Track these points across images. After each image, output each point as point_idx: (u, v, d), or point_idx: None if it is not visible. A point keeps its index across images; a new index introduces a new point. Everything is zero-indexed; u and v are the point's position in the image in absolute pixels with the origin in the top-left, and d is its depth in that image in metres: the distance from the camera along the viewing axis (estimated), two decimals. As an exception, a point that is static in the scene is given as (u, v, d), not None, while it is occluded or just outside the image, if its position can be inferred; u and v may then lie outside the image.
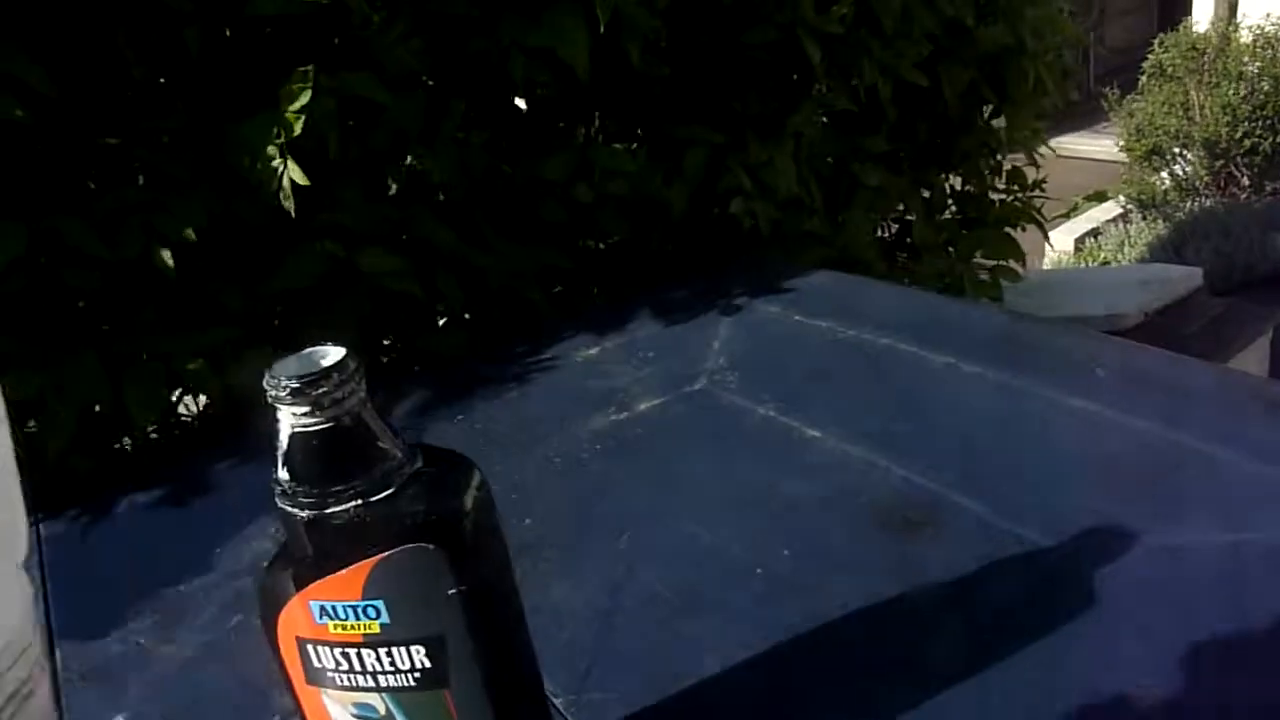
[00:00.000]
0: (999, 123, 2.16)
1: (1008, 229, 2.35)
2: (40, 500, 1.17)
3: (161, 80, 1.15)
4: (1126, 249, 4.71)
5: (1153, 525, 0.70)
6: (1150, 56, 5.22)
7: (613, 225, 1.41)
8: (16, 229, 0.98)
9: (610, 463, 0.91)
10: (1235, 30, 5.21)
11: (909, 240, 2.22)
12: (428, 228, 1.18)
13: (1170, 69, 5.10)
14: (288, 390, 0.39)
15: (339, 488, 0.40)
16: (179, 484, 1.00)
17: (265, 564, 0.44)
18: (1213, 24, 5.57)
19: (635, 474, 0.88)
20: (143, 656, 0.74)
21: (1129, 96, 5.31)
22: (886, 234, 2.17)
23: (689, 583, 0.72)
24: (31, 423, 1.28)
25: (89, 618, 0.80)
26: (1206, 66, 4.71)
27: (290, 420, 0.39)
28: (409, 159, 1.16)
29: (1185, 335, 2.62)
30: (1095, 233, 5.07)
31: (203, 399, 1.28)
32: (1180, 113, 4.84)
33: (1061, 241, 5.11)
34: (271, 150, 1.01)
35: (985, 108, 2.09)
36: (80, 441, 1.12)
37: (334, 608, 0.41)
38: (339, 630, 0.42)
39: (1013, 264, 2.32)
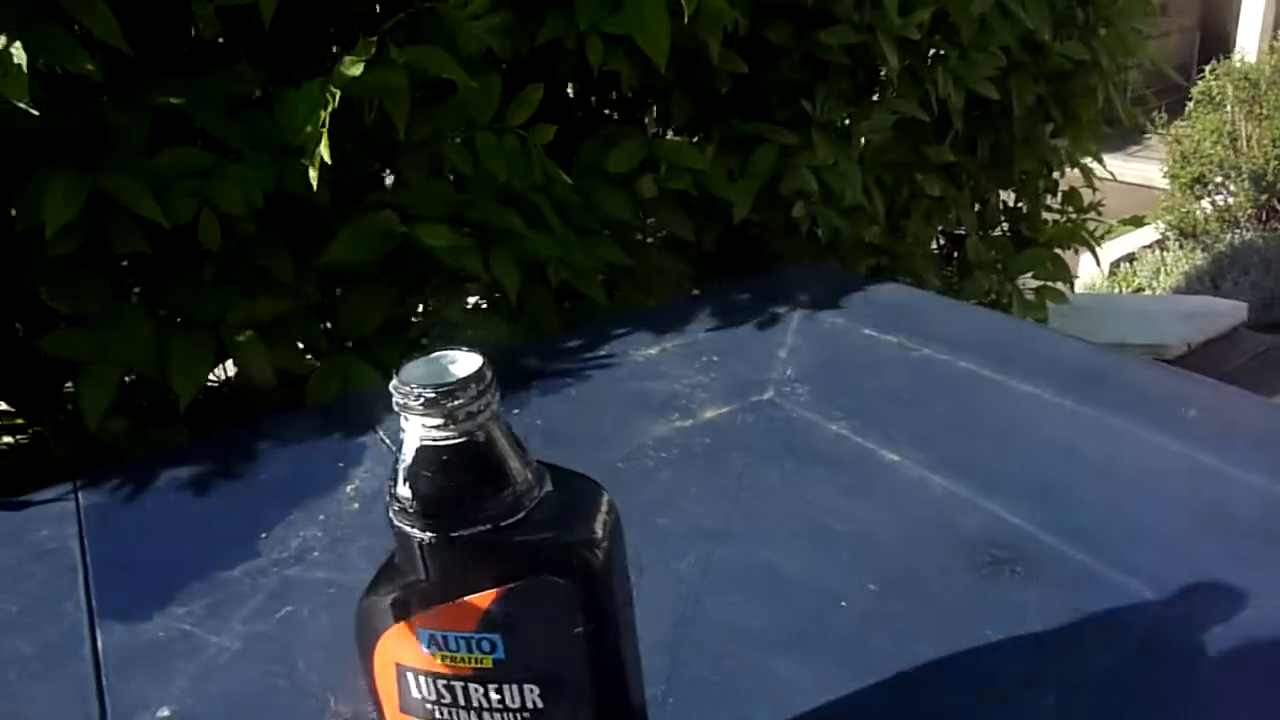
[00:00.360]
0: (1059, 142, 2.12)
1: (1057, 250, 2.30)
2: (77, 466, 1.14)
3: (223, 42, 1.11)
4: (1162, 276, 4.65)
5: (1269, 586, 0.66)
6: (1200, 83, 5.14)
7: (673, 222, 1.36)
8: (75, 189, 0.94)
9: (677, 473, 0.87)
10: (1288, 62, 5.12)
11: (955, 255, 2.18)
12: (490, 212, 1.14)
13: (1219, 97, 5.02)
14: (421, 399, 0.35)
15: (467, 510, 0.36)
16: (221, 460, 0.96)
17: (370, 582, 0.40)
18: (1260, 54, 5.49)
19: (704, 488, 0.84)
20: (188, 644, 0.71)
21: (1175, 122, 5.23)
22: (937, 248, 2.13)
23: (768, 613, 0.68)
24: (68, 384, 1.25)
25: (130, 598, 0.77)
26: (1259, 98, 4.63)
27: (419, 432, 0.35)
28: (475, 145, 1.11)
29: (1229, 370, 2.57)
30: (1130, 258, 5.01)
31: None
32: (1227, 142, 4.76)
33: (1094, 266, 5.04)
34: (323, 118, 0.97)
35: (1047, 125, 2.05)
36: (118, 408, 1.09)
37: (445, 638, 0.38)
38: (447, 662, 0.38)
39: (1060, 286, 2.28)
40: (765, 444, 0.90)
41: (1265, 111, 4.71)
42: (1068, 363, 1.03)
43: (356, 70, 0.92)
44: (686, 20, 1.10)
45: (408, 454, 0.36)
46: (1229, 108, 4.97)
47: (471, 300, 1.36)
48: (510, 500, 0.37)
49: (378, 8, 1.10)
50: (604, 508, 0.40)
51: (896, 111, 1.53)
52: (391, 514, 0.37)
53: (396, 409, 0.36)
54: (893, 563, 0.72)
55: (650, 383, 1.04)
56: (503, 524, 0.36)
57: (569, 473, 0.41)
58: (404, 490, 0.36)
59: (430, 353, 0.38)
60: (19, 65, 0.87)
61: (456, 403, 0.35)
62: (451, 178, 1.15)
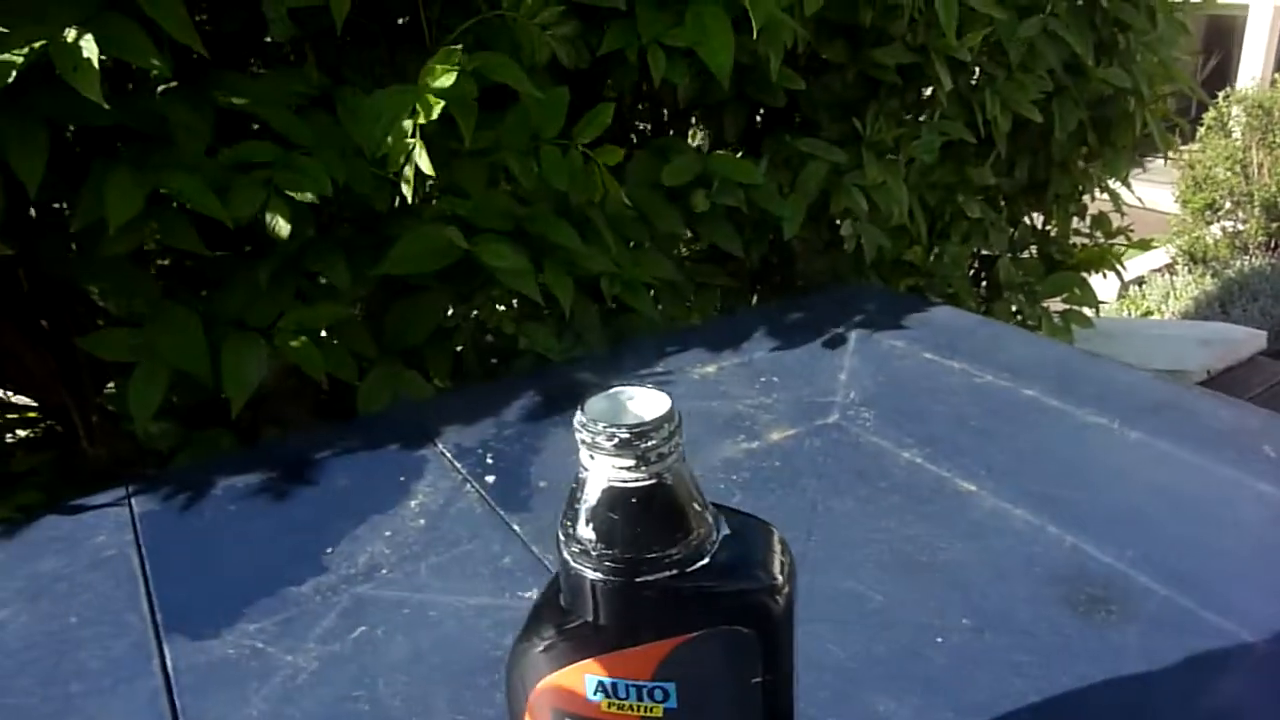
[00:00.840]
0: (1092, 166, 2.11)
1: (1083, 274, 2.30)
2: (116, 470, 1.12)
3: (289, 43, 1.10)
4: (1171, 301, 4.66)
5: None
6: (1211, 110, 5.15)
7: (723, 237, 1.35)
8: (136, 186, 0.92)
9: (750, 497, 0.85)
10: (1299, 91, 5.14)
11: (984, 277, 2.17)
12: (550, 226, 1.12)
13: (1231, 125, 5.03)
14: (615, 439, 0.33)
15: (653, 554, 0.34)
16: (276, 470, 0.95)
17: (526, 624, 0.38)
18: (1263, 82, 5.51)
19: (779, 514, 0.82)
20: (262, 663, 0.69)
21: (1186, 147, 5.24)
22: (968, 269, 2.12)
23: (861, 646, 0.67)
24: (110, 385, 1.23)
25: (197, 612, 0.75)
26: (1271, 125, 4.64)
27: (607, 473, 0.34)
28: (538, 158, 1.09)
29: (1249, 398, 2.56)
30: (1140, 281, 5.01)
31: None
32: (1239, 169, 4.77)
33: (1103, 288, 5.05)
34: (406, 126, 0.95)
35: (1081, 150, 2.04)
36: (159, 411, 1.07)
37: (615, 685, 0.36)
38: (613, 709, 0.37)
39: (1086, 310, 2.27)
40: (836, 469, 0.89)
41: (1278, 140, 4.73)
42: (1131, 392, 1.01)
43: (448, 80, 0.90)
44: (756, 34, 1.09)
45: (591, 494, 0.34)
46: (1240, 134, 4.98)
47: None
48: (695, 544, 0.35)
49: (439, 14, 1.08)
50: (779, 549, 0.38)
51: (944, 132, 1.52)
52: (567, 555, 0.35)
53: (581, 446, 0.34)
54: (984, 598, 0.71)
55: (712, 402, 1.02)
56: (688, 569, 0.35)
57: (737, 512, 0.39)
58: (586, 531, 0.35)
59: (609, 389, 0.36)
60: (89, 59, 0.85)
61: (649, 444, 0.33)
62: (518, 190, 1.14)
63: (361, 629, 0.72)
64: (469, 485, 0.89)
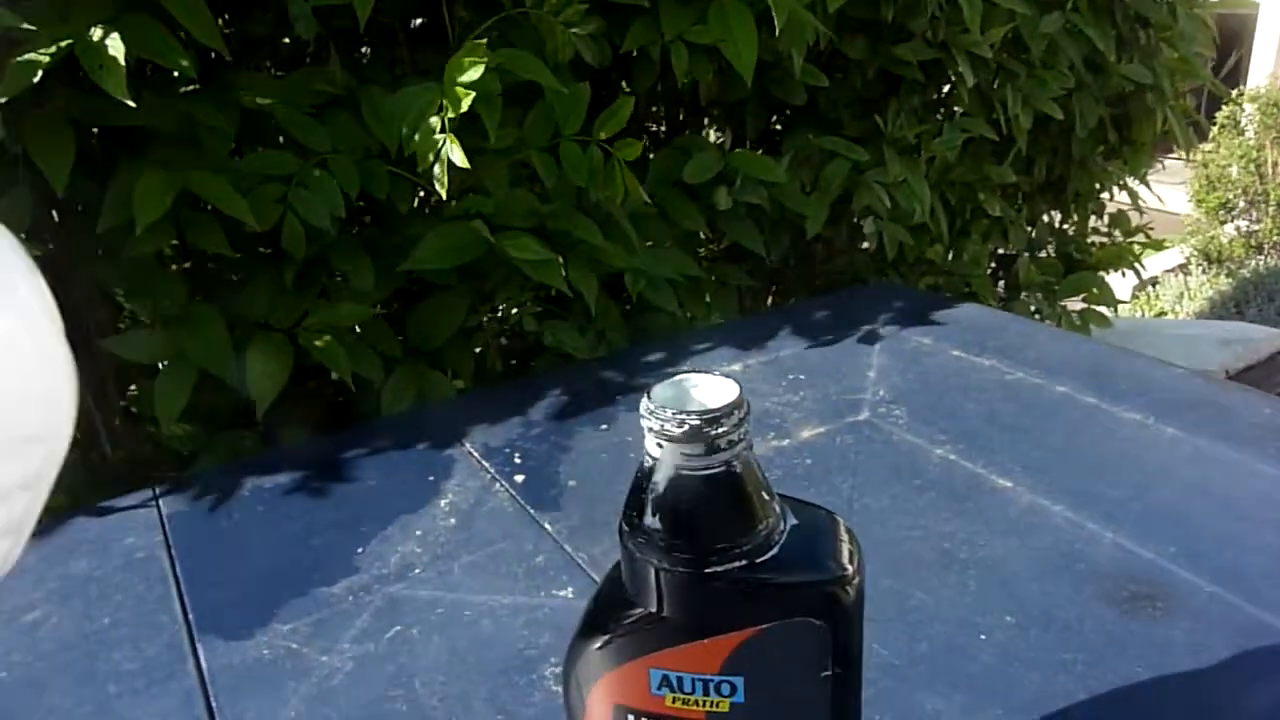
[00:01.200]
0: (1111, 164, 2.10)
1: (1101, 273, 2.28)
2: (146, 475, 1.12)
3: (312, 41, 1.09)
4: (1185, 301, 4.63)
5: None
6: (1224, 109, 5.13)
7: (745, 235, 1.34)
8: (165, 186, 0.92)
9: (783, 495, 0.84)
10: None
11: (1003, 275, 2.16)
12: (571, 223, 1.12)
13: (1244, 124, 5.01)
14: (685, 426, 0.32)
15: (722, 545, 0.33)
16: (303, 471, 0.94)
17: (585, 618, 0.38)
18: (1271, 79, 5.48)
19: (814, 510, 0.82)
20: (297, 664, 0.68)
21: (1200, 146, 5.21)
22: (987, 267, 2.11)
23: (904, 643, 0.66)
24: (133, 387, 1.23)
25: (229, 613, 0.74)
26: (1287, 124, 4.62)
27: (675, 460, 0.33)
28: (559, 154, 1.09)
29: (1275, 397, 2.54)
30: (1154, 281, 4.99)
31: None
32: (1253, 169, 4.75)
33: (1117, 288, 5.01)
34: (434, 123, 0.94)
35: (1100, 148, 2.03)
36: (187, 414, 1.06)
37: (680, 679, 0.35)
38: (678, 704, 0.36)
39: (1104, 310, 2.26)
40: (870, 466, 0.88)
41: (1293, 138, 4.71)
42: (1165, 388, 1.00)
43: (475, 74, 0.90)
44: (779, 32, 1.08)
45: (659, 482, 0.34)
46: (1254, 133, 4.96)
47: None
48: (764, 535, 0.34)
49: (463, 11, 1.08)
50: (846, 539, 0.37)
51: (966, 129, 1.50)
52: (632, 545, 0.34)
53: (649, 434, 0.33)
54: (1027, 595, 0.70)
55: (739, 400, 1.02)
56: (757, 560, 0.34)
57: (803, 503, 0.38)
58: (653, 521, 0.34)
59: (673, 375, 0.35)
60: (115, 58, 0.85)
61: (720, 430, 0.33)
62: (536, 189, 1.13)
63: (396, 629, 0.71)
64: (499, 484, 0.89)
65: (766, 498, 0.35)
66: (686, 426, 0.32)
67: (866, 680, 0.63)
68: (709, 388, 0.35)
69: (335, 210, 1.00)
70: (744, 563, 0.34)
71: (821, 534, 0.36)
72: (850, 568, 0.35)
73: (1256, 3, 8.42)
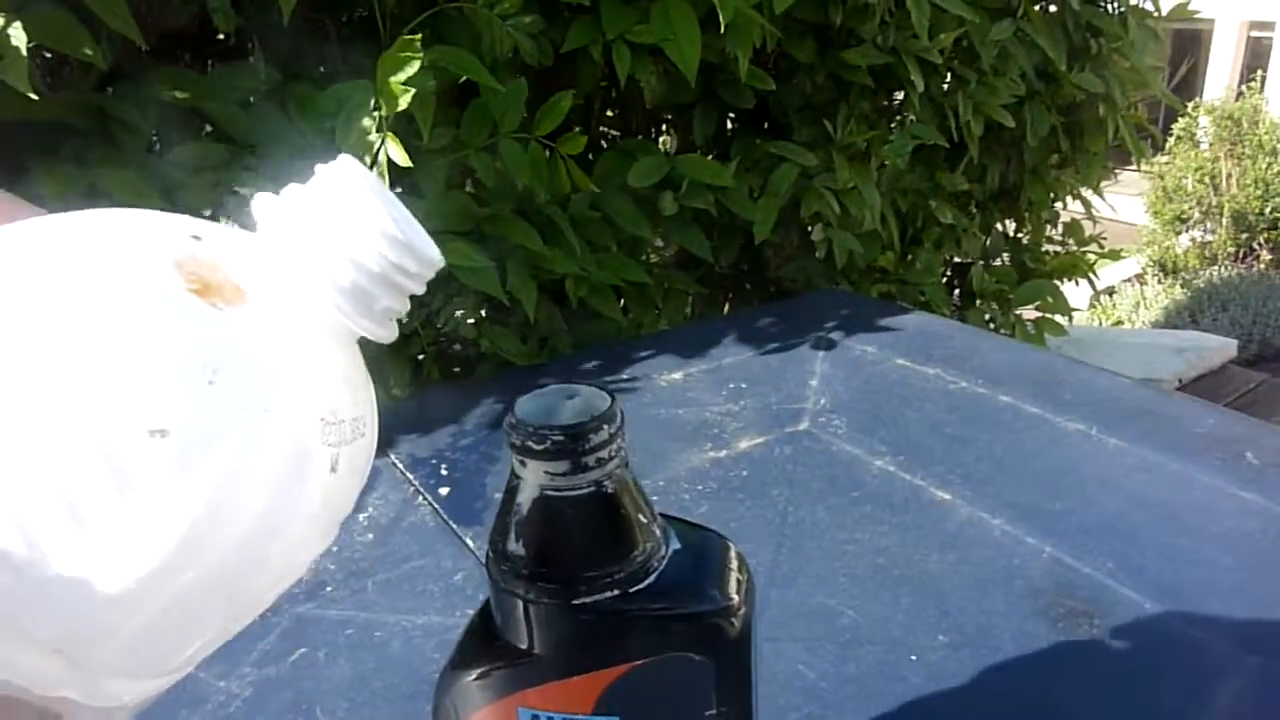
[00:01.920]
0: (1064, 173, 2.10)
1: (1056, 281, 2.29)
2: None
3: (233, 37, 1.05)
4: (1142, 310, 4.68)
5: (1370, 650, 0.61)
6: (1180, 120, 5.20)
7: (691, 240, 1.32)
8: (73, 183, 0.88)
9: (716, 507, 0.81)
10: (1266, 103, 5.19)
11: (958, 284, 2.16)
12: (509, 227, 1.08)
13: (1200, 135, 5.08)
14: (548, 442, 0.29)
15: (592, 573, 0.30)
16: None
17: (455, 650, 0.34)
18: (1228, 90, 5.56)
19: (747, 524, 0.79)
20: (193, 690, 0.64)
21: (1155, 158, 5.28)
22: (941, 276, 2.10)
23: (832, 665, 0.63)
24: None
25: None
26: (1241, 136, 4.68)
27: (539, 480, 0.30)
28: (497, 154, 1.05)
29: (1221, 405, 2.56)
30: (1110, 291, 5.04)
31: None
32: (1208, 181, 4.81)
33: (1074, 298, 5.06)
34: (368, 124, 0.91)
35: (1053, 156, 2.03)
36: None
37: (551, 719, 0.32)
38: (551, 747, 0.33)
39: (1059, 318, 2.26)
40: (807, 478, 0.85)
41: (1247, 151, 4.77)
42: (1110, 398, 0.99)
43: (410, 70, 0.86)
44: (723, 29, 1.06)
45: (523, 505, 0.30)
46: (1209, 145, 5.02)
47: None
48: (640, 561, 0.31)
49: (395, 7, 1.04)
50: (735, 566, 0.34)
51: (916, 136, 1.49)
52: (496, 573, 0.31)
53: (511, 451, 0.30)
54: (961, 613, 0.67)
55: (678, 409, 0.99)
56: (631, 590, 0.31)
57: (690, 524, 0.35)
58: (516, 547, 0.31)
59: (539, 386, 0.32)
60: (17, 47, 0.81)
61: (587, 446, 0.29)
62: (470, 189, 1.10)
63: (302, 651, 0.67)
64: (420, 497, 0.85)
65: (644, 520, 0.32)
66: (549, 442, 0.29)
67: (790, 705, 0.60)
68: (583, 399, 0.32)
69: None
70: (616, 592, 0.30)
71: (707, 560, 0.33)
72: (736, 597, 0.32)
73: (1212, 17, 8.58)
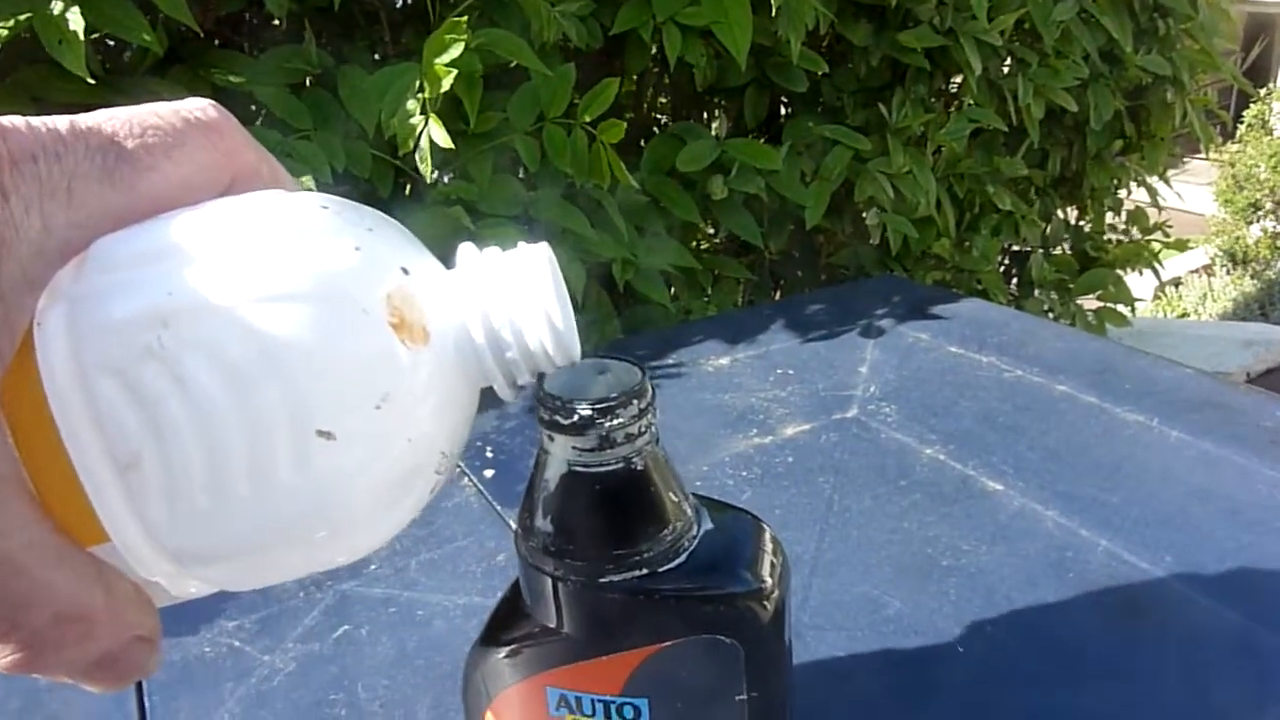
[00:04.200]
0: (1127, 159, 2.04)
1: (1118, 271, 2.23)
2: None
3: (285, 20, 1.06)
4: (1209, 303, 4.54)
5: None
6: (1253, 107, 5.02)
7: (741, 225, 1.30)
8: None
9: (760, 494, 0.80)
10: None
11: (1016, 272, 2.11)
12: (558, 211, 1.08)
13: (1273, 122, 4.90)
14: (575, 417, 0.29)
15: (620, 551, 0.30)
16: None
17: (485, 627, 0.34)
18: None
19: (792, 511, 0.78)
20: (237, 663, 0.65)
21: (1226, 145, 5.12)
22: (998, 264, 2.06)
23: (877, 655, 0.62)
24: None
25: (176, 608, 0.71)
26: (1317, 122, 4.51)
27: (568, 455, 0.29)
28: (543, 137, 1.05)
29: (1292, 402, 2.47)
30: (1176, 282, 4.89)
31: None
32: (1281, 168, 4.65)
33: (1138, 289, 4.92)
34: (412, 106, 0.91)
35: (1117, 142, 1.97)
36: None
37: (580, 700, 0.31)
38: (578, 727, 0.32)
39: (1121, 309, 2.20)
40: (854, 466, 0.84)
41: (1323, 137, 4.60)
42: (1172, 389, 0.95)
43: (455, 52, 0.86)
44: (774, 11, 1.04)
45: (550, 480, 0.30)
46: (1284, 132, 4.85)
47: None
48: (669, 540, 0.30)
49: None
50: (769, 549, 0.33)
51: (974, 120, 1.46)
52: (525, 550, 0.31)
53: (539, 425, 0.30)
54: (1010, 605, 0.66)
55: (724, 395, 0.98)
56: (660, 569, 0.30)
57: (722, 504, 0.35)
58: (544, 524, 0.30)
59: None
60: (75, 32, 0.82)
61: (615, 422, 0.29)
62: (521, 174, 1.09)
63: (345, 628, 0.68)
64: (466, 479, 0.85)
65: (675, 499, 0.31)
66: (576, 417, 0.29)
67: (831, 694, 0.59)
68: (616, 373, 0.31)
69: (321, 177, 0.96)
70: (644, 572, 0.30)
71: (740, 542, 0.33)
72: (769, 580, 0.31)
73: (1288, 0, 8.27)
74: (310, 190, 0.30)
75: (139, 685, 0.63)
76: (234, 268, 0.25)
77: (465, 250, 0.30)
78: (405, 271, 0.28)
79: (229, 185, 0.29)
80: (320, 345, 0.25)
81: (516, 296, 0.28)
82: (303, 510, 0.27)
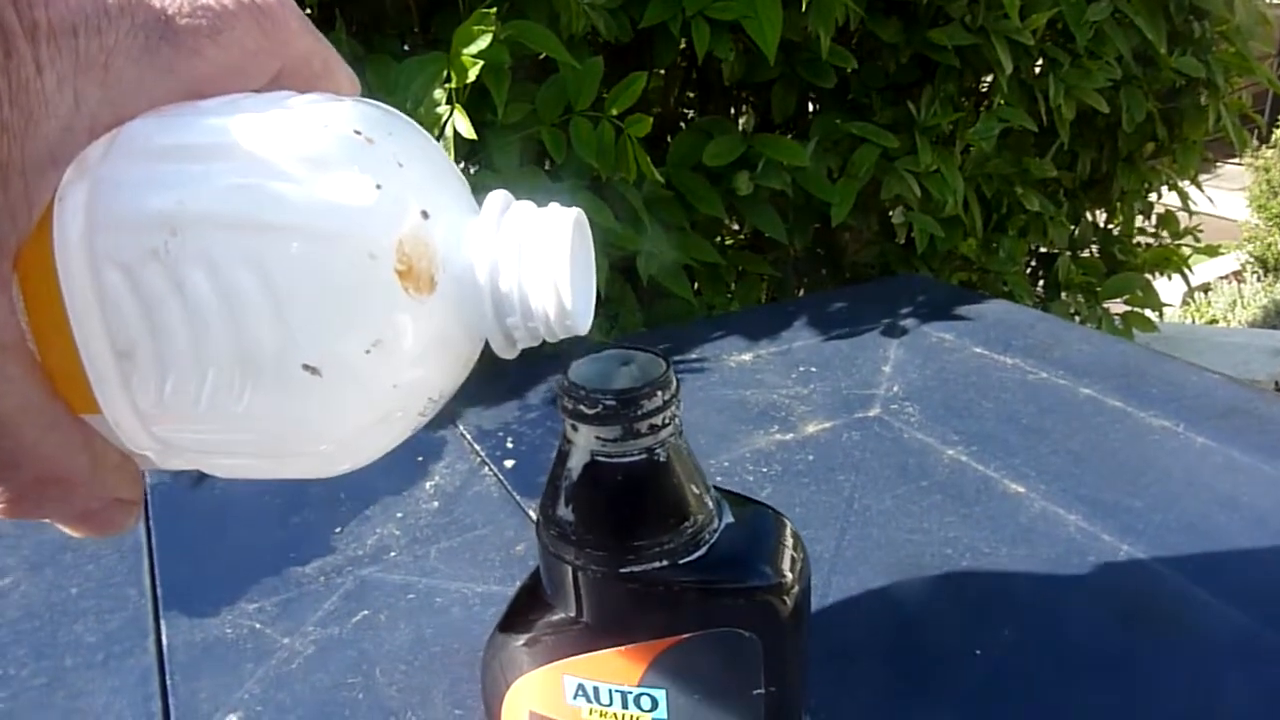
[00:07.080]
0: (1159, 162, 2.02)
1: (1147, 275, 2.20)
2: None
3: (317, 10, 1.07)
4: (1239, 309, 4.48)
5: None
6: (1288, 110, 4.95)
7: (766, 222, 1.30)
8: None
9: (780, 490, 0.80)
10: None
11: (1042, 275, 2.09)
12: (582, 203, 1.08)
13: (1309, 126, 4.83)
14: (600, 406, 0.29)
15: (641, 542, 0.30)
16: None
17: (504, 614, 0.34)
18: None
19: (811, 509, 0.78)
20: (258, 645, 0.66)
21: (1262, 150, 5.05)
22: (1025, 266, 2.04)
23: (892, 655, 0.62)
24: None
25: (198, 589, 0.72)
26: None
27: (591, 445, 0.29)
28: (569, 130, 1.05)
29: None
30: (1205, 288, 4.84)
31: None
32: (1316, 174, 4.58)
33: (1167, 294, 4.86)
34: (439, 95, 0.91)
35: (1149, 145, 1.95)
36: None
37: (598, 690, 0.32)
38: (594, 716, 0.32)
39: (1149, 314, 2.18)
40: (875, 465, 0.84)
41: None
42: (1200, 395, 0.94)
43: (483, 43, 0.86)
44: (804, 6, 1.04)
45: (573, 470, 0.30)
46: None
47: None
48: (690, 532, 0.30)
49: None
50: (790, 543, 0.33)
51: (1004, 119, 1.44)
52: (546, 539, 0.31)
53: (562, 414, 0.30)
54: (1030, 608, 0.65)
55: (746, 391, 0.98)
56: (680, 561, 0.30)
57: (744, 499, 0.35)
58: (565, 512, 0.30)
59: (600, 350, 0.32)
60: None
61: (639, 412, 0.29)
62: (546, 166, 1.10)
63: (364, 613, 0.69)
64: (487, 468, 0.86)
65: (697, 491, 0.31)
66: (601, 406, 0.29)
67: (846, 694, 0.59)
68: (639, 364, 0.31)
69: None
70: (665, 563, 0.30)
71: (761, 536, 0.33)
72: (789, 575, 0.31)
73: (1328, 4, 8.14)
74: (355, 100, 0.29)
75: (161, 666, 0.64)
76: (249, 186, 0.25)
77: (493, 199, 0.30)
78: (425, 215, 0.27)
79: (276, 74, 0.29)
80: (319, 284, 0.25)
81: (531, 258, 0.28)
82: (278, 432, 0.27)
